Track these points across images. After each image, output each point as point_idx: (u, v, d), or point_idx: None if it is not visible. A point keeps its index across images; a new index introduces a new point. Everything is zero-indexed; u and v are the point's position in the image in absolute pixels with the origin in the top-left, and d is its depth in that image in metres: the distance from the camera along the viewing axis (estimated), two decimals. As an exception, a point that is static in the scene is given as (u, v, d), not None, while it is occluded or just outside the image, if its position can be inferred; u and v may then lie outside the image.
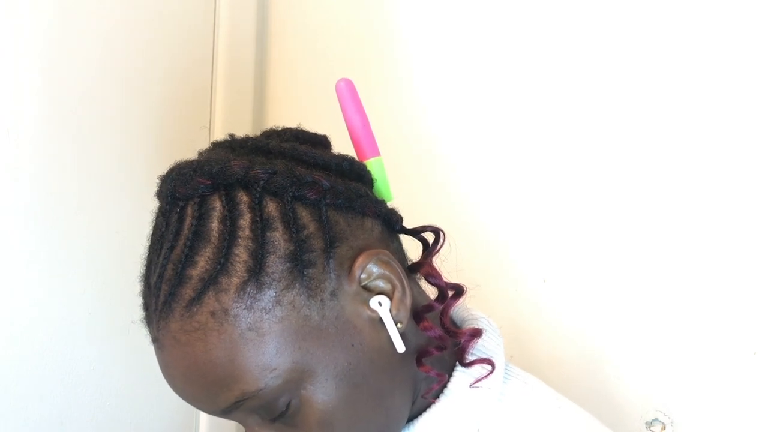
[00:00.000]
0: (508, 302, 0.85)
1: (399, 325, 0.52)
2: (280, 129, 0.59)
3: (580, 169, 0.83)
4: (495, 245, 0.86)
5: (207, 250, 0.49)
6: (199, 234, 0.49)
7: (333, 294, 0.50)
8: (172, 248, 0.50)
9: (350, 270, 0.51)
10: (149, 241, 0.54)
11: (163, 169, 0.55)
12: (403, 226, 0.57)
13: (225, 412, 0.50)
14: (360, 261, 0.51)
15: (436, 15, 0.95)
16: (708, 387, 0.74)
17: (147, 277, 0.53)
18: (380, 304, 0.51)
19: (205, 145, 0.59)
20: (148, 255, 0.54)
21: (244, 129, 1.02)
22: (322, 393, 0.49)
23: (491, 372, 0.56)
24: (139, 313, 0.55)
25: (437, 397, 0.56)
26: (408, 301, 0.52)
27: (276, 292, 0.48)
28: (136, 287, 0.57)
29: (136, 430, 0.86)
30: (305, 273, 0.49)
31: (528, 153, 0.86)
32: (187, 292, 0.48)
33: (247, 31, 1.08)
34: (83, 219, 0.80)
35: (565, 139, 0.84)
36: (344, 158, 0.55)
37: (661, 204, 0.78)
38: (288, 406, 0.49)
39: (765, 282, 0.72)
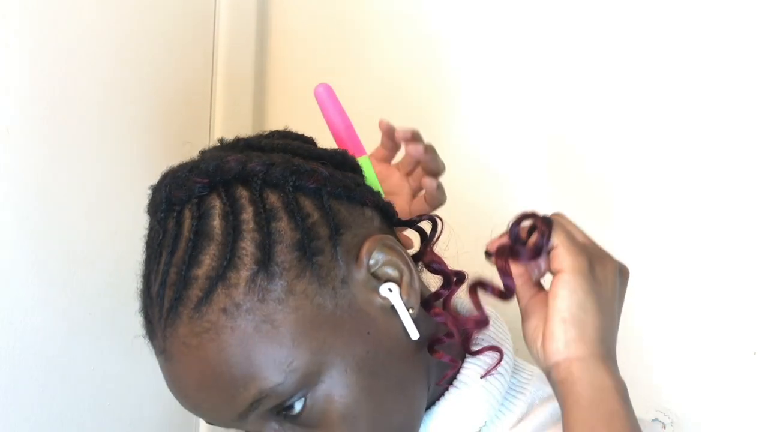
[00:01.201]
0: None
1: (411, 311, 0.51)
2: (267, 132, 0.59)
3: (580, 169, 0.83)
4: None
5: (211, 247, 0.47)
6: (200, 233, 0.48)
7: (344, 282, 0.49)
8: (173, 252, 0.49)
9: (357, 257, 0.50)
10: (144, 254, 0.53)
11: (164, 169, 0.55)
12: (400, 219, 0.57)
13: (242, 418, 0.48)
14: (367, 246, 0.50)
15: (436, 15, 0.95)
16: (708, 387, 0.74)
17: (147, 290, 0.52)
18: (390, 290, 0.50)
19: (205, 146, 0.59)
20: (145, 267, 0.52)
21: (244, 129, 1.02)
22: (341, 385, 0.48)
23: (500, 360, 0.55)
24: (140, 315, 0.55)
25: (451, 383, 0.56)
26: (417, 285, 0.52)
27: (287, 282, 0.47)
28: (136, 287, 0.57)
29: (136, 430, 0.86)
30: (314, 261, 0.48)
31: (528, 153, 0.86)
32: (194, 293, 0.47)
33: (247, 31, 1.08)
34: (83, 219, 0.80)
35: (545, 133, 0.84)
36: (337, 151, 0.56)
37: (660, 203, 0.78)
38: (305, 404, 0.48)
39: (765, 282, 0.72)
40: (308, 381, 0.47)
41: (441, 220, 0.57)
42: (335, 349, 0.48)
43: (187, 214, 0.49)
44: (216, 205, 0.49)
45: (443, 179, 0.66)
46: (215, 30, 1.03)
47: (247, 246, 0.47)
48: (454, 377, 0.56)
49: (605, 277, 0.51)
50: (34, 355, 0.74)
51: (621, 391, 0.48)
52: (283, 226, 0.48)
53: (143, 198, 0.57)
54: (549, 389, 0.57)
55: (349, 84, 1.02)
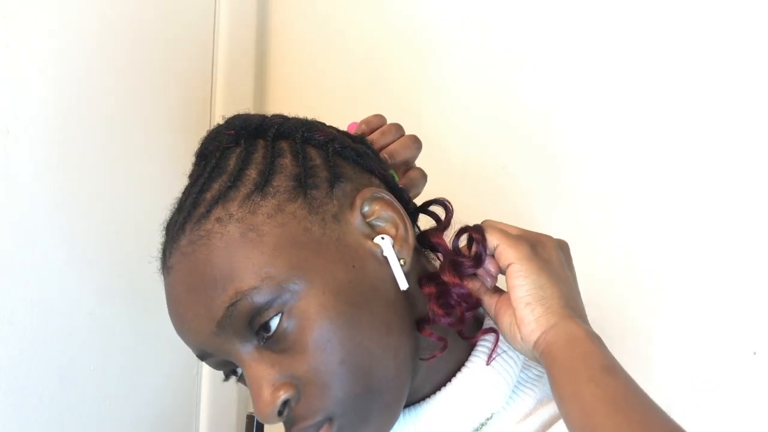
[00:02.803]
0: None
1: (402, 262, 0.52)
2: None
3: (576, 169, 0.83)
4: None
5: (223, 177, 0.52)
6: (218, 168, 0.53)
7: (335, 218, 0.52)
8: (192, 186, 0.54)
9: (353, 203, 0.53)
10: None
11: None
12: (415, 204, 0.59)
13: (219, 327, 0.49)
14: (363, 192, 0.53)
15: (436, 14, 0.95)
16: (708, 387, 0.74)
17: (169, 222, 0.55)
18: (383, 239, 0.52)
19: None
20: (176, 203, 0.56)
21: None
22: (318, 305, 0.48)
23: (496, 341, 0.56)
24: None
25: (459, 369, 0.56)
26: (411, 241, 0.53)
27: (279, 202, 0.51)
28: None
29: (136, 430, 0.86)
30: (308, 193, 0.51)
31: (524, 154, 0.86)
32: (199, 210, 0.51)
33: (247, 31, 1.08)
34: (83, 219, 0.80)
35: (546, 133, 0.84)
36: (358, 135, 0.60)
37: (660, 204, 0.78)
38: (281, 322, 0.48)
39: (765, 282, 0.72)
40: (283, 292, 0.48)
41: (450, 204, 0.58)
42: (315, 269, 0.49)
43: (213, 160, 0.55)
44: (237, 150, 0.54)
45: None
46: (215, 30, 1.03)
47: (251, 173, 0.52)
48: (462, 364, 0.56)
49: (549, 254, 0.54)
50: (34, 355, 0.74)
51: (593, 337, 0.50)
52: (286, 162, 0.53)
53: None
54: None
55: (348, 80, 1.02)
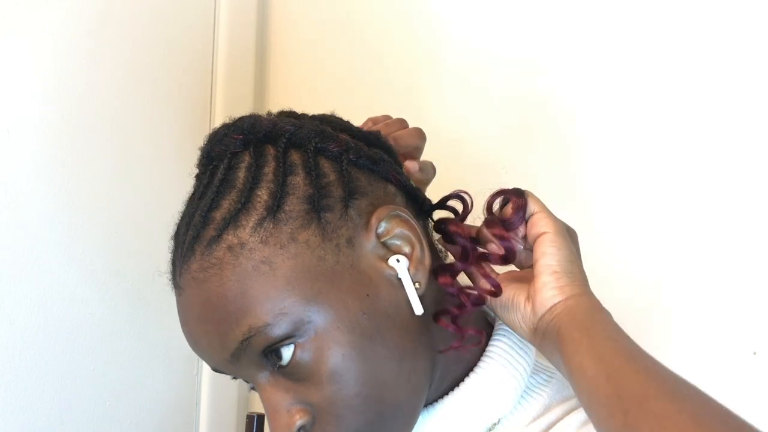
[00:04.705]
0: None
1: (417, 285, 0.51)
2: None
3: (577, 170, 0.83)
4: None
5: (232, 194, 0.50)
6: (226, 182, 0.51)
7: (349, 242, 0.50)
8: (201, 198, 0.52)
9: (368, 223, 0.51)
10: (186, 204, 0.55)
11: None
12: (431, 203, 0.58)
13: (234, 358, 0.49)
14: (378, 213, 0.51)
15: (436, 14, 0.95)
16: (708, 387, 0.74)
17: (177, 233, 0.54)
18: (398, 261, 0.51)
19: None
20: (182, 213, 0.55)
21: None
22: (332, 340, 0.48)
23: (480, 341, 0.55)
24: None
25: (467, 374, 0.55)
26: (427, 262, 0.52)
27: (292, 229, 0.49)
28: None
29: (136, 430, 0.86)
30: (322, 216, 0.49)
31: (526, 148, 0.86)
32: (209, 232, 0.49)
33: (247, 31, 1.08)
34: (83, 219, 0.80)
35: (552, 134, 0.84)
36: (372, 132, 0.57)
37: (660, 203, 0.78)
38: (294, 353, 0.48)
39: (765, 282, 0.72)
40: (298, 327, 0.48)
41: (470, 195, 0.57)
42: (329, 302, 0.48)
43: (221, 167, 0.52)
44: (245, 159, 0.52)
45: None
46: (215, 30, 1.03)
47: (262, 194, 0.50)
48: (471, 369, 0.56)
49: (574, 240, 0.55)
50: (34, 355, 0.74)
51: (611, 316, 0.50)
52: (298, 180, 0.50)
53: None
54: (567, 392, 0.57)
55: (348, 80, 1.02)
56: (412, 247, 0.51)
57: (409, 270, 0.51)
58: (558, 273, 0.51)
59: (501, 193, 0.55)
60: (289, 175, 0.50)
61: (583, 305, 0.50)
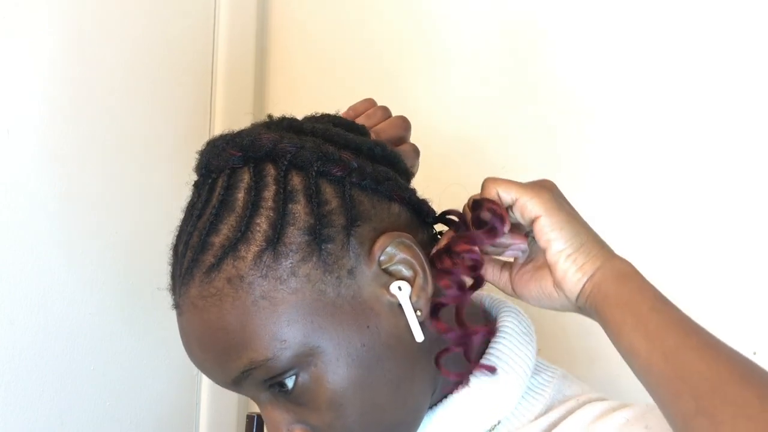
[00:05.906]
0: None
1: (418, 313, 0.51)
2: (318, 114, 0.59)
3: (575, 164, 0.83)
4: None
5: (231, 218, 0.49)
6: (225, 203, 0.50)
7: (351, 272, 0.49)
8: (199, 217, 0.51)
9: (370, 250, 0.50)
10: (184, 213, 0.55)
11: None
12: (435, 216, 0.57)
13: (235, 383, 0.50)
14: (381, 242, 0.50)
15: (436, 14, 0.95)
16: (708, 387, 0.74)
17: (176, 247, 0.54)
18: (400, 289, 0.50)
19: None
20: (181, 225, 0.54)
21: (245, 124, 1.02)
22: (332, 372, 0.48)
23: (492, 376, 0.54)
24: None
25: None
26: (429, 289, 0.51)
27: (292, 263, 0.48)
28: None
29: (136, 430, 0.86)
30: (323, 248, 0.49)
31: (527, 147, 0.86)
32: (208, 258, 0.49)
33: (247, 31, 1.08)
34: (83, 219, 0.80)
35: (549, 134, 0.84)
36: (377, 143, 0.55)
37: (660, 203, 0.78)
38: (296, 382, 0.49)
39: (765, 282, 0.72)
40: (299, 361, 0.48)
41: (463, 214, 0.56)
42: (330, 336, 0.48)
43: (220, 182, 0.51)
44: (244, 179, 0.50)
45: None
46: (215, 30, 1.03)
47: (262, 223, 0.49)
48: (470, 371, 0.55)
49: (562, 196, 0.52)
50: (34, 355, 0.74)
51: (638, 271, 0.49)
52: (298, 208, 0.49)
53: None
54: (569, 391, 0.57)
55: (348, 80, 1.02)
56: (415, 273, 0.51)
57: (410, 297, 0.50)
58: (572, 255, 0.49)
59: (476, 205, 0.52)
60: (289, 203, 0.49)
61: (610, 278, 0.48)
